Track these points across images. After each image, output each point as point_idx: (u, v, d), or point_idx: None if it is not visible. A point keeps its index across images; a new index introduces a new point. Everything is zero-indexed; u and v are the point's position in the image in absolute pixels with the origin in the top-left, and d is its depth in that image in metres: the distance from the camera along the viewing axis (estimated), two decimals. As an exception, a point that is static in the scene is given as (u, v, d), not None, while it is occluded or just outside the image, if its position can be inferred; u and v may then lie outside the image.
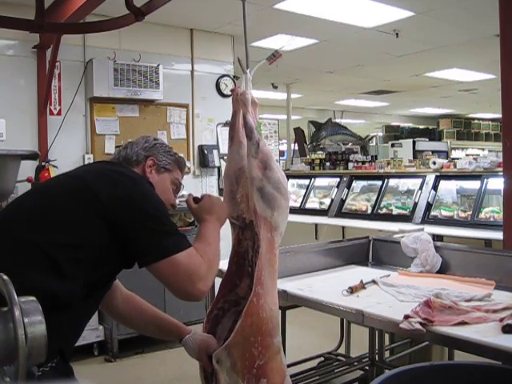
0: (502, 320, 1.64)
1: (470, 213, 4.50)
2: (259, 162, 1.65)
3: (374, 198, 5.38)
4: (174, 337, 1.83)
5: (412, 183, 5.23)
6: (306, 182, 6.37)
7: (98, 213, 1.42)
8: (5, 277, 0.82)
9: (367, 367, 3.24)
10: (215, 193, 5.38)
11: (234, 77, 5.56)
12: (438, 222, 4.63)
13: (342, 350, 3.59)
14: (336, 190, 5.76)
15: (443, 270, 2.49)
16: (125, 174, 1.54)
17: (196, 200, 1.70)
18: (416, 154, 10.14)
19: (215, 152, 5.36)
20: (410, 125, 14.64)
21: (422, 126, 14.59)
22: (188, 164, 5.16)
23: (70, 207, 1.44)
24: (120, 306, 1.77)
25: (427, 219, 4.70)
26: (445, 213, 4.66)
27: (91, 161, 4.69)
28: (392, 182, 5.46)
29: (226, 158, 5.19)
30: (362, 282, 2.23)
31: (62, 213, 1.43)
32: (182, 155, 1.83)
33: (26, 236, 1.38)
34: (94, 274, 1.44)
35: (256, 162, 1.64)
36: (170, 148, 1.78)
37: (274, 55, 1.92)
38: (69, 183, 1.52)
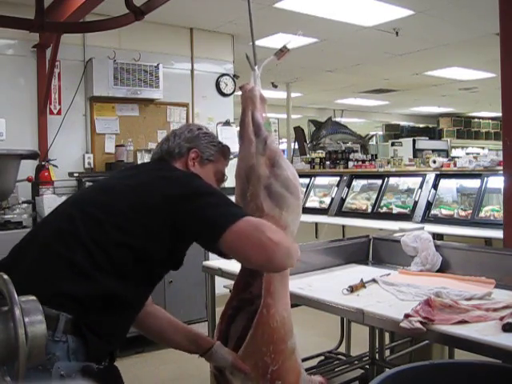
0: (502, 319, 1.64)
1: (470, 211, 4.50)
2: (267, 159, 1.61)
3: (374, 196, 5.37)
4: (200, 347, 1.70)
5: (412, 182, 5.22)
6: (306, 180, 6.36)
7: (161, 212, 1.41)
8: (5, 276, 0.82)
9: (367, 366, 3.24)
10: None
11: (234, 76, 5.56)
12: (438, 220, 4.62)
13: (342, 349, 3.59)
14: (336, 188, 5.75)
15: (443, 268, 2.48)
16: (174, 173, 1.56)
17: None
18: (416, 152, 10.16)
19: (215, 151, 5.36)
20: (410, 123, 14.65)
21: (422, 125, 14.59)
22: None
23: (131, 211, 1.42)
24: (150, 314, 1.73)
25: (427, 218, 4.70)
26: (445, 211, 4.66)
27: (91, 160, 4.69)
28: (392, 180, 5.46)
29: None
30: (362, 280, 2.23)
31: (125, 217, 1.42)
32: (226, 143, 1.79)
33: (95, 238, 1.37)
34: (151, 274, 1.48)
35: (263, 160, 1.61)
36: (213, 137, 1.74)
37: (282, 50, 1.90)
38: (127, 192, 1.49)
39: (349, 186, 5.69)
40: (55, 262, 1.34)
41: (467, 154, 10.56)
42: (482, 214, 4.39)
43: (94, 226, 1.39)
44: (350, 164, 6.21)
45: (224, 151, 1.73)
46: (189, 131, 1.70)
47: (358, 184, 5.77)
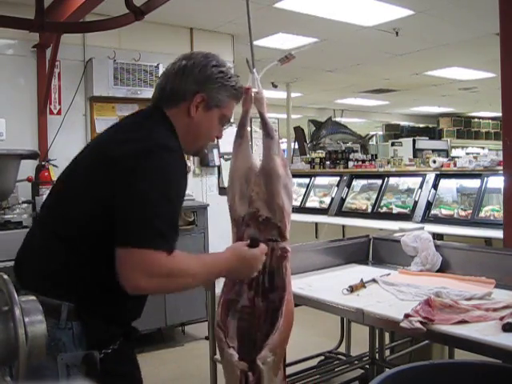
0: (502, 319, 1.64)
1: (470, 211, 4.50)
2: (281, 159, 1.71)
3: (374, 196, 5.38)
4: None
5: (412, 182, 5.23)
6: (306, 180, 6.37)
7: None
8: (5, 276, 0.82)
9: (367, 366, 3.24)
10: (215, 191, 5.38)
11: (234, 76, 5.56)
12: (438, 220, 4.62)
13: (342, 349, 3.59)
14: (336, 188, 5.76)
15: (443, 268, 2.49)
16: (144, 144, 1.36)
17: (252, 242, 1.58)
18: (416, 152, 10.16)
19: (215, 151, 5.37)
20: (410, 123, 14.64)
21: (422, 125, 14.59)
22: (188, 163, 5.14)
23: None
24: None
25: (427, 218, 4.70)
26: (445, 211, 4.66)
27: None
28: (392, 180, 5.46)
29: (226, 156, 5.18)
30: (362, 280, 2.23)
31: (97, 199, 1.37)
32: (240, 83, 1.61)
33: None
34: None
35: (279, 160, 1.70)
36: (228, 77, 1.54)
37: (287, 57, 1.93)
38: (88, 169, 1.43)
39: (349, 185, 5.69)
40: (49, 256, 1.38)
41: (467, 153, 10.57)
42: (482, 214, 4.40)
43: (67, 219, 1.39)
44: (350, 164, 6.22)
45: (238, 95, 1.60)
46: (201, 68, 1.50)
47: (358, 184, 5.78)
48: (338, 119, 11.64)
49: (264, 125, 1.74)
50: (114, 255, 1.30)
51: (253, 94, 1.74)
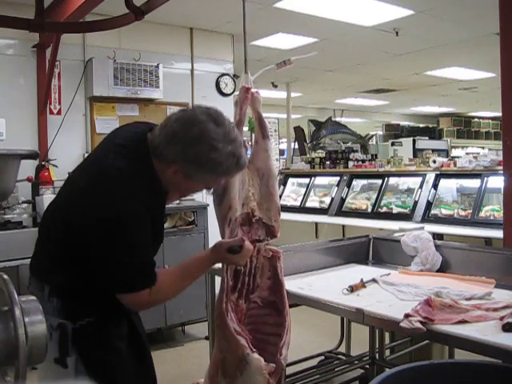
0: (502, 318, 1.64)
1: (470, 211, 4.50)
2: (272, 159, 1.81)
3: (374, 196, 5.38)
4: None
5: (412, 182, 5.23)
6: (306, 180, 6.37)
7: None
8: (5, 276, 0.82)
9: (367, 366, 3.24)
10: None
11: (234, 76, 5.56)
12: (438, 220, 4.62)
13: (342, 349, 3.59)
14: (336, 188, 5.76)
15: (443, 268, 2.49)
16: (111, 191, 1.46)
17: (233, 249, 1.62)
18: (416, 152, 10.16)
19: (215, 151, 5.37)
20: (410, 123, 14.64)
21: (422, 125, 14.58)
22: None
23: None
24: None
25: (427, 218, 4.70)
26: (445, 211, 4.66)
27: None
28: (392, 180, 5.46)
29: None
30: (362, 280, 2.23)
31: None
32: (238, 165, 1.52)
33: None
34: None
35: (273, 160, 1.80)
36: (219, 164, 1.46)
37: (285, 62, 1.94)
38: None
39: (349, 185, 5.69)
40: (42, 252, 1.66)
41: (467, 153, 10.56)
42: (482, 214, 4.40)
43: (60, 225, 1.60)
44: (350, 164, 6.21)
45: (223, 176, 1.57)
46: (191, 146, 1.44)
47: (357, 184, 5.78)
48: (337, 119, 11.62)
49: (262, 125, 1.75)
50: (83, 266, 1.52)
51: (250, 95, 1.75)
